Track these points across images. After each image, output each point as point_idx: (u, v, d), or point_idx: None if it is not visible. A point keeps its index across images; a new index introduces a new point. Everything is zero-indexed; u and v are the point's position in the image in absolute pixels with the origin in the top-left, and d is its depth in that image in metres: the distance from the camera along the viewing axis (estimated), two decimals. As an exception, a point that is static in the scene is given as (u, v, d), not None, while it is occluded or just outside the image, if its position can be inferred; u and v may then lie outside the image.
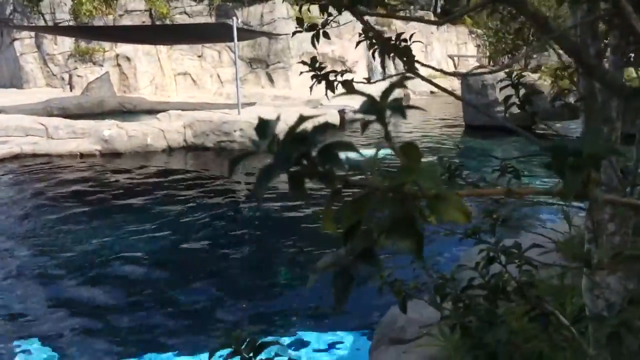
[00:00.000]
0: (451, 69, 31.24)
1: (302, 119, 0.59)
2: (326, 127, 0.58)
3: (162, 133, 13.35)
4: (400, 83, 0.62)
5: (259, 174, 0.59)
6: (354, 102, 17.51)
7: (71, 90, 18.54)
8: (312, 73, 1.90)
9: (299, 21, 1.86)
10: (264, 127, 0.59)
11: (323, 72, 1.90)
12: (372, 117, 0.59)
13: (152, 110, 16.22)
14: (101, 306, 5.41)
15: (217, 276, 6.17)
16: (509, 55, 15.79)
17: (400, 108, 0.59)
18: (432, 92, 24.12)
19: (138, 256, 6.68)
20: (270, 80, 20.33)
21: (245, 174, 11.50)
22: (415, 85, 23.20)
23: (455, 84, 24.93)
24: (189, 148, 13.43)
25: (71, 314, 5.22)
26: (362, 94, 0.61)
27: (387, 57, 1.83)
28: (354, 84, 1.84)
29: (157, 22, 18.69)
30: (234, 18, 16.62)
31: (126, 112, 17.07)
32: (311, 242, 7.01)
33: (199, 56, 19.75)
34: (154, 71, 18.95)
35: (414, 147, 0.61)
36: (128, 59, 18.54)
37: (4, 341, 4.73)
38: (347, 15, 1.69)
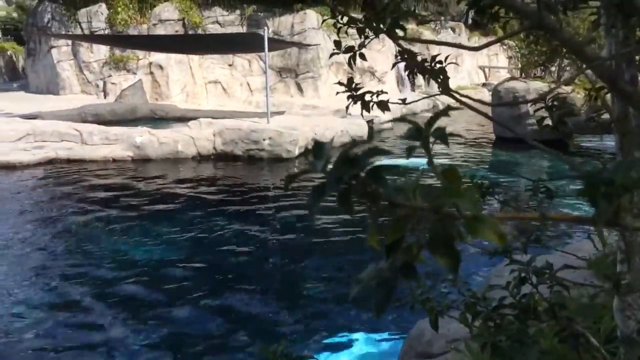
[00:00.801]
0: (482, 80, 30.99)
1: (354, 144, 0.63)
2: (375, 151, 0.62)
3: (193, 140, 13.56)
4: (444, 112, 0.65)
5: (312, 191, 0.63)
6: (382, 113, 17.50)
7: (105, 97, 19.01)
8: (348, 93, 1.94)
9: (337, 44, 1.90)
10: (319, 149, 0.64)
11: (359, 92, 1.95)
12: (417, 143, 0.63)
13: (183, 118, 16.51)
14: (139, 309, 5.52)
15: (248, 283, 6.24)
16: (542, 68, 15.61)
17: (444, 136, 0.63)
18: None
19: (170, 260, 6.80)
20: (300, 89, 20.49)
21: (272, 185, 11.61)
22: (446, 97, 23.11)
23: (486, 96, 24.73)
24: (218, 156, 13.61)
25: (111, 317, 5.35)
26: (409, 121, 0.64)
27: (417, 75, 1.86)
28: (389, 104, 1.88)
29: (190, 32, 19.04)
30: (265, 28, 16.85)
31: (158, 119, 17.40)
32: (346, 249, 7.04)
33: (230, 65, 20.04)
34: (185, 79, 19.30)
35: (454, 172, 0.65)
36: (161, 67, 18.93)
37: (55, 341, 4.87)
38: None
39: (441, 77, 1.84)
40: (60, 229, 8.15)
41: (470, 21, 29.27)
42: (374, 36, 1.67)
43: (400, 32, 1.55)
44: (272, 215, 9.22)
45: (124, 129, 13.78)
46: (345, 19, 1.67)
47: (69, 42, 19.20)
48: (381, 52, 21.99)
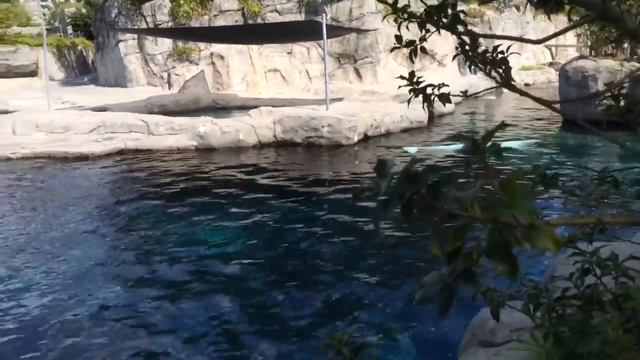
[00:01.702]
0: (548, 59, 29.79)
1: (413, 161, 0.67)
2: (435, 168, 0.67)
3: (253, 129, 13.84)
4: (501, 126, 0.68)
5: (377, 207, 0.68)
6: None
7: (169, 88, 19.66)
8: (410, 86, 1.96)
9: (398, 38, 1.92)
10: (382, 168, 0.69)
11: (420, 86, 1.97)
12: (473, 157, 0.67)
13: (244, 107, 16.85)
14: (196, 297, 5.76)
15: (302, 275, 6.37)
16: (612, 45, 14.83)
17: (498, 151, 0.66)
18: (526, 84, 23.18)
19: (229, 252, 7.03)
20: (358, 75, 20.43)
21: (332, 172, 11.70)
22: (476, 86, 22.36)
23: (552, 76, 23.76)
24: (278, 143, 13.83)
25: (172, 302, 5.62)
26: (466, 138, 0.68)
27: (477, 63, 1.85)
28: (450, 96, 1.89)
29: (249, 21, 19.33)
30: (323, 15, 16.86)
31: (219, 108, 17.84)
32: (403, 244, 7.05)
33: (289, 53, 20.21)
34: (245, 68, 19.65)
35: (512, 183, 0.69)
36: (222, 57, 19.35)
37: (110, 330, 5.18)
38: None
39: (503, 67, 1.83)
40: (131, 215, 8.57)
41: (535, -1, 28.04)
42: (435, 30, 1.69)
43: (460, 28, 1.56)
44: (329, 201, 9.31)
45: (188, 119, 14.24)
46: (405, 15, 1.70)
47: (135, 35, 19.94)
48: (441, 35, 21.52)
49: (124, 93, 18.80)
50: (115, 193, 10.05)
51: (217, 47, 19.19)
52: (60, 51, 29.97)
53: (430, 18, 1.59)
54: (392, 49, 1.99)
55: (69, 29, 39.21)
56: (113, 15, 20.91)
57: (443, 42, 21.40)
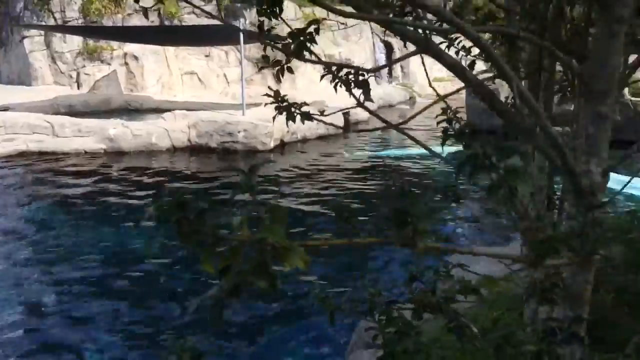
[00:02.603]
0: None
1: (198, 195, 0.75)
2: (202, 196, 0.75)
3: (167, 132, 13.56)
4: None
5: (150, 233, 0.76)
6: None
7: (79, 88, 18.81)
8: (276, 104, 2.07)
9: (264, 58, 2.03)
10: (159, 196, 0.76)
11: (284, 104, 2.09)
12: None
13: (158, 109, 16.44)
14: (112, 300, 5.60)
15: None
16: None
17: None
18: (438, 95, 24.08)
19: (133, 257, 6.87)
20: (277, 80, 20.50)
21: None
22: (422, 88, 23.25)
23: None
24: (193, 148, 13.64)
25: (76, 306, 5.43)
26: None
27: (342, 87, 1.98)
28: (311, 115, 2.00)
29: (166, 22, 18.91)
30: (242, 19, 16.80)
31: (132, 110, 17.31)
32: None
33: (206, 56, 19.95)
34: (161, 70, 19.18)
35: (279, 209, 0.79)
36: (136, 57, 18.78)
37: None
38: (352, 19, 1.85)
39: (364, 89, 1.96)
40: (30, 220, 8.16)
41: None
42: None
43: (308, 54, 1.69)
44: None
45: (97, 121, 13.71)
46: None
47: (42, 32, 18.94)
48: (358, 44, 22.09)
49: (29, 92, 17.78)
50: (13, 197, 9.51)
51: (131, 47, 18.61)
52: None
53: (285, 47, 1.70)
54: (260, 69, 2.08)
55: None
56: (18, 10, 19.75)
57: (360, 52, 21.97)
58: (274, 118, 2.17)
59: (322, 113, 2.18)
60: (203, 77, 19.91)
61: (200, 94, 19.38)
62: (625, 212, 4.11)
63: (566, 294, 1.59)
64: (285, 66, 2.06)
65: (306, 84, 19.80)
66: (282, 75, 2.11)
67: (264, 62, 2.01)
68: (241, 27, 14.50)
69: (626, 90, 12.54)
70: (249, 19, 19.22)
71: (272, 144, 13.76)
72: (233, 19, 18.44)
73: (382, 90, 20.76)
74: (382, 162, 13.00)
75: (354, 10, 1.61)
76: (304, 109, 2.08)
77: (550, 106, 2.06)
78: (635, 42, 2.23)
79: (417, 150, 13.51)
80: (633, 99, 13.49)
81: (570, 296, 1.61)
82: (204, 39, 16.22)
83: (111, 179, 10.79)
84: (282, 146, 14.29)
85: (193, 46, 18.68)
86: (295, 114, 2.10)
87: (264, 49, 1.93)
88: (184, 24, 18.53)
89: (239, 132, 13.55)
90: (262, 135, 13.54)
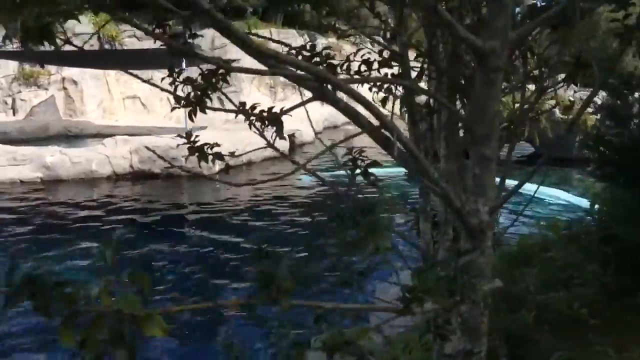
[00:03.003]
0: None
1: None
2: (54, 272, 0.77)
3: (108, 159, 13.26)
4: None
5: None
6: (305, 127, 17.83)
7: (14, 115, 18.17)
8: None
9: (177, 99, 2.06)
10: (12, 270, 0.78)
11: (197, 144, 2.12)
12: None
13: (99, 135, 16.07)
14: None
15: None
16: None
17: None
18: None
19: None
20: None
21: (196, 203, 11.56)
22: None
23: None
24: (135, 174, 13.37)
25: None
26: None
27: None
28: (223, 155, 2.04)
29: (106, 46, 18.59)
30: (194, 44, 16.67)
31: (72, 136, 16.85)
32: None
33: (149, 79, 19.69)
34: (101, 95, 18.78)
35: (143, 276, 0.81)
36: (74, 82, 18.34)
37: None
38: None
39: (277, 127, 2.01)
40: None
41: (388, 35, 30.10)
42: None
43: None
44: (188, 233, 9.19)
45: (33, 148, 13.26)
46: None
47: (-26, 56, 18.24)
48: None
49: (-40, 119, 17.06)
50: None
51: (70, 72, 18.16)
52: None
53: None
54: (172, 109, 2.11)
55: None
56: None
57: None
58: (186, 158, 2.18)
59: (232, 154, 2.22)
60: (146, 101, 19.62)
61: (144, 118, 19.07)
62: (541, 234, 4.30)
63: (464, 328, 1.66)
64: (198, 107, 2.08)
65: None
66: (195, 115, 2.14)
67: (176, 102, 2.04)
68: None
69: (557, 109, 13.15)
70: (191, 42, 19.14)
71: (217, 168, 13.63)
72: (176, 42, 18.30)
73: (327, 112, 21.00)
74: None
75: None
76: (216, 149, 2.13)
77: (455, 143, 2.16)
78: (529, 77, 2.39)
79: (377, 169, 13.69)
80: (562, 116, 14.15)
81: (468, 329, 1.68)
82: (145, 62, 16.02)
83: (46, 210, 10.43)
84: (228, 170, 14.20)
85: (134, 69, 18.38)
86: (208, 154, 2.14)
87: (174, 90, 1.96)
88: (124, 47, 18.28)
89: (183, 156, 13.35)
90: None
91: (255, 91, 20.70)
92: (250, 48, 1.18)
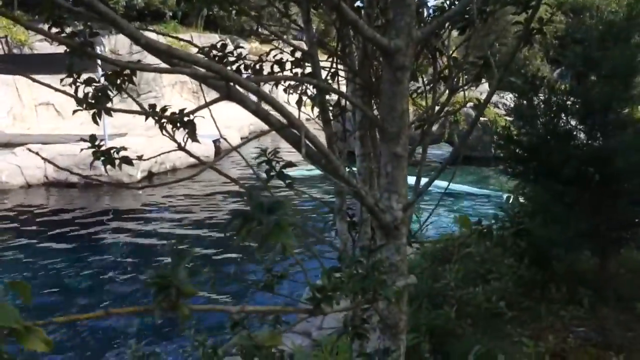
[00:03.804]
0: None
1: None
2: None
3: (20, 169, 12.51)
4: None
5: None
6: (230, 132, 17.61)
7: None
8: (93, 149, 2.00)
9: (78, 101, 1.96)
10: None
11: (102, 148, 2.04)
12: None
13: (10, 144, 15.12)
14: None
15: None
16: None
17: None
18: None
19: None
20: (95, 122, 19.77)
21: (113, 210, 11.11)
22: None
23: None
24: (51, 184, 12.70)
25: None
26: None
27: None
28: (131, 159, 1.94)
29: (15, 50, 17.55)
30: (101, 47, 16.07)
31: (-21, 146, 15.73)
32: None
33: (64, 85, 18.77)
34: (11, 101, 17.69)
35: (21, 285, 0.74)
36: (-20, 88, 17.18)
37: None
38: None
39: (189, 129, 1.95)
40: None
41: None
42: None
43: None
44: (108, 242, 8.81)
45: None
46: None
47: None
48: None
49: None
50: None
51: (-25, 78, 17.00)
52: None
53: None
54: (74, 112, 2.01)
55: None
56: None
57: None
58: (90, 164, 2.07)
59: (140, 157, 2.13)
60: (60, 107, 18.68)
61: (59, 125, 18.14)
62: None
63: (383, 326, 1.67)
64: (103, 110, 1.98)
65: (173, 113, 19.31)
66: (100, 118, 2.04)
67: (77, 104, 1.94)
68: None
69: (471, 110, 13.72)
70: (108, 46, 18.48)
71: (139, 175, 13.20)
72: (92, 46, 17.57)
73: (252, 117, 20.84)
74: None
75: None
76: (122, 153, 2.04)
77: (373, 143, 2.18)
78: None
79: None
80: (481, 118, 14.80)
81: (387, 327, 1.69)
82: (57, 66, 15.26)
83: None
84: (150, 177, 13.76)
85: (46, 74, 17.48)
86: (115, 159, 2.05)
87: (75, 91, 1.86)
88: (35, 52, 17.35)
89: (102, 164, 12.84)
90: (128, 166, 12.95)
91: (177, 96, 20.24)
92: (139, 43, 1.13)
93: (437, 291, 4.05)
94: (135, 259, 8.06)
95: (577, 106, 4.26)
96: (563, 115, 4.32)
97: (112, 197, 12.32)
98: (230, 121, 17.19)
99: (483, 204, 11.44)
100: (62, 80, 2.12)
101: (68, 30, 2.28)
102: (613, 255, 4.52)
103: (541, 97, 4.32)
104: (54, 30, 2.13)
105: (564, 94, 4.33)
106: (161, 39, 2.27)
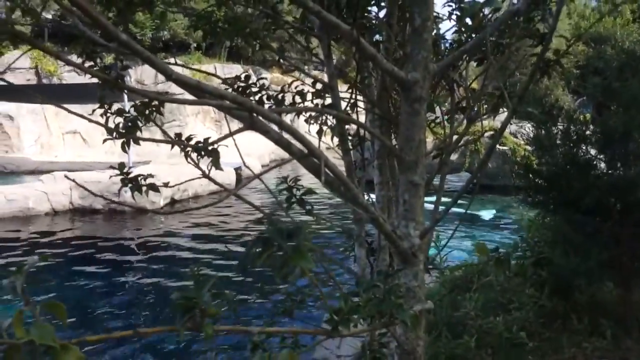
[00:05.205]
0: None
1: None
2: None
3: (46, 196, 12.79)
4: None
5: None
6: (251, 160, 17.80)
7: (-55, 151, 17.33)
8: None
9: (109, 130, 2.04)
10: None
11: (130, 175, 2.11)
12: None
13: (37, 171, 15.52)
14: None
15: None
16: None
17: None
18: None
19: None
20: (124, 151, 20.15)
21: (137, 237, 11.27)
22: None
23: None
24: (76, 210, 12.94)
25: None
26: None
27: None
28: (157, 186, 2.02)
29: (44, 80, 18.12)
30: (127, 77, 16.49)
31: (8, 173, 16.17)
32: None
33: (90, 114, 19.26)
34: (39, 130, 18.20)
35: (58, 306, 0.80)
36: (10, 117, 17.72)
37: None
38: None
39: (213, 158, 2.02)
40: None
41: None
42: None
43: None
44: (134, 269, 8.92)
45: (-35, 187, 12.66)
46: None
47: None
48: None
49: None
50: None
51: (5, 106, 17.53)
52: None
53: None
54: (104, 141, 2.10)
55: None
56: None
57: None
58: (118, 192, 2.15)
59: (166, 185, 2.21)
60: (86, 135, 19.15)
61: (85, 153, 18.57)
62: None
63: (401, 351, 1.69)
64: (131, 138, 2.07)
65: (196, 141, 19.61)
66: (129, 147, 2.13)
67: (107, 133, 2.03)
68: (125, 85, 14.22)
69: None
70: (134, 76, 18.96)
71: (162, 202, 13.39)
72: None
73: (274, 145, 21.05)
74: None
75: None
76: (150, 180, 2.12)
77: (391, 172, 2.23)
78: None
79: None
80: (500, 147, 14.74)
81: (405, 353, 1.71)
82: (86, 96, 15.70)
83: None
84: (173, 204, 13.94)
85: (75, 104, 17.98)
86: (141, 186, 2.12)
87: (106, 121, 1.95)
88: (63, 82, 17.88)
89: (126, 191, 13.06)
90: (151, 194, 13.13)
91: (200, 125, 20.57)
92: (170, 78, 1.20)
93: (457, 320, 4.03)
94: (159, 282, 8.13)
95: (597, 136, 4.26)
96: (582, 145, 4.32)
97: (135, 223, 12.50)
98: (251, 149, 17.39)
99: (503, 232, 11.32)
100: (93, 110, 2.22)
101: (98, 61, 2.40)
102: (636, 286, 4.45)
103: (560, 127, 4.34)
104: (87, 63, 2.24)
105: (583, 123, 4.33)
106: (186, 72, 2.38)
